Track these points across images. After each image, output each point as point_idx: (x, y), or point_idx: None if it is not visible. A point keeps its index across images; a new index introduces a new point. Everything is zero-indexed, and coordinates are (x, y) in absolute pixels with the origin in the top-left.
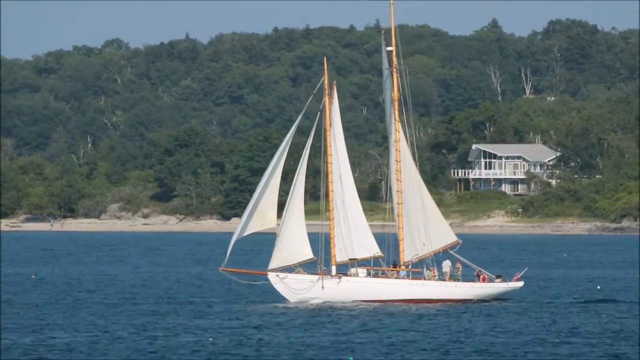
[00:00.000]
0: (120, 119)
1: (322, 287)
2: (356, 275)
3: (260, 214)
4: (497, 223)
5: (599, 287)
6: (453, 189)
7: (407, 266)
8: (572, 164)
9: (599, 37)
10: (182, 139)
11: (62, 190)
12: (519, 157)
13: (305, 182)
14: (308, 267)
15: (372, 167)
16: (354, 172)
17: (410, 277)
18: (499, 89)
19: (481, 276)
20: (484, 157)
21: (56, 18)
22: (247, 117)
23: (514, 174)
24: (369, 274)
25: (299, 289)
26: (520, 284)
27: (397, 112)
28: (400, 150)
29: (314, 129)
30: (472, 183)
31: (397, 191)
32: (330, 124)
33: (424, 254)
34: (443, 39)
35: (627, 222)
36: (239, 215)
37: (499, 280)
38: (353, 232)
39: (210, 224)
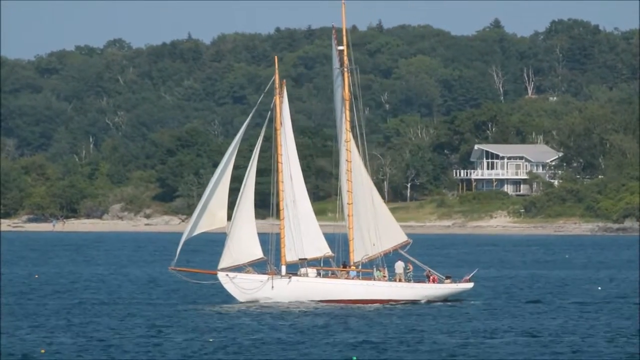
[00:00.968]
0: (122, 119)
1: (272, 287)
2: (306, 275)
3: (210, 213)
4: (499, 223)
5: (599, 288)
6: (455, 189)
7: (357, 266)
8: (575, 165)
9: (601, 37)
10: (184, 139)
11: (64, 190)
12: (521, 158)
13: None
14: (259, 266)
15: (374, 167)
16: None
17: (360, 277)
18: (501, 89)
19: (431, 277)
20: (486, 158)
21: (58, 18)
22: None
23: (516, 174)
24: (319, 274)
25: (248, 289)
26: (470, 285)
27: (347, 112)
28: (351, 150)
29: (264, 128)
30: (474, 183)
31: (348, 191)
32: (281, 123)
33: (374, 254)
34: (445, 39)
35: (630, 223)
36: None
37: (448, 281)
38: (303, 232)
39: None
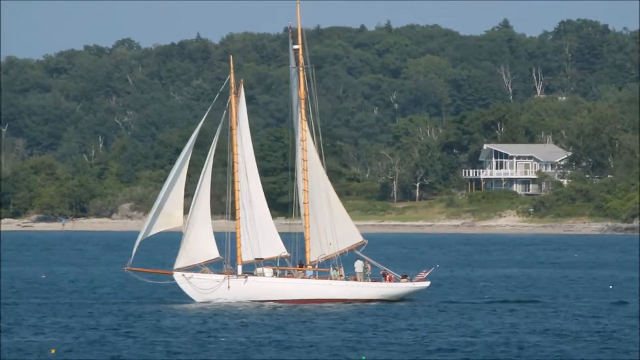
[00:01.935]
0: (131, 119)
1: (228, 287)
2: (262, 274)
3: (166, 213)
4: (508, 223)
5: (610, 287)
6: (464, 189)
7: (313, 266)
8: (584, 164)
9: (610, 37)
10: None
11: (73, 190)
12: (530, 157)
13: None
14: (215, 266)
15: (383, 167)
16: (365, 172)
17: (317, 276)
18: (510, 89)
19: (387, 276)
20: (495, 157)
21: (67, 18)
22: (258, 117)
23: (525, 173)
24: (275, 274)
25: (204, 289)
26: (426, 284)
27: (303, 111)
28: (307, 149)
29: (219, 128)
30: (483, 183)
31: (304, 190)
32: (237, 123)
33: (330, 253)
34: (454, 38)
35: (638, 222)
36: None
37: (404, 280)
38: (259, 232)
39: (221, 224)
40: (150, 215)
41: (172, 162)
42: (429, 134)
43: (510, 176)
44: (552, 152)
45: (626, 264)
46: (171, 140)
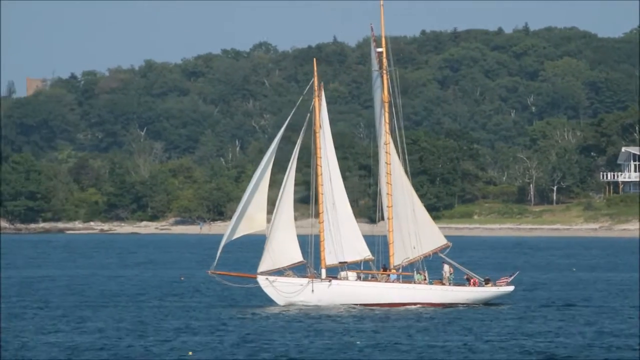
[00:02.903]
0: (268, 122)
1: (312, 291)
2: (346, 278)
3: (249, 217)
4: None
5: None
6: (602, 192)
7: (397, 270)
8: None
9: None
10: None
11: (211, 193)
12: None
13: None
14: (298, 270)
15: (520, 170)
16: (501, 175)
17: (401, 280)
18: None
19: (471, 280)
20: (634, 160)
21: (205, 22)
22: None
23: None
24: (359, 278)
25: (288, 292)
26: (510, 288)
27: (387, 114)
28: (390, 152)
29: (303, 131)
30: (621, 186)
31: (387, 194)
32: (320, 126)
33: (414, 257)
34: (592, 41)
35: None
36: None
37: (489, 284)
38: (343, 235)
39: (360, 227)
40: (234, 218)
41: (308, 165)
42: (566, 136)
43: None
44: None
45: None
46: (308, 144)
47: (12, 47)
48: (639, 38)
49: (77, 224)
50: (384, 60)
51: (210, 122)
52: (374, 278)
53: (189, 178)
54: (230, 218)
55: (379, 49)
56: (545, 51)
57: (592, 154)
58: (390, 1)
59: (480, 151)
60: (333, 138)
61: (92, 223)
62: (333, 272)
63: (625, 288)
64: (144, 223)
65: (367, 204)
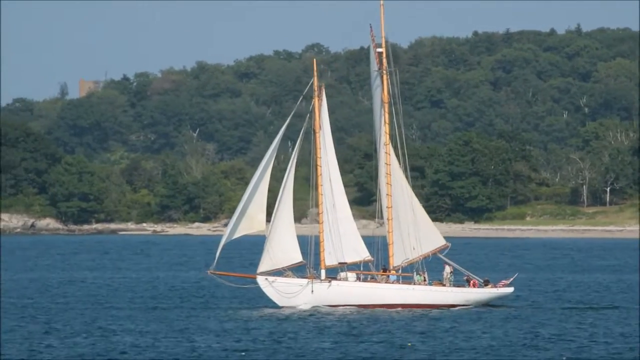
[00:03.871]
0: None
1: (312, 291)
2: (346, 279)
3: (249, 217)
4: None
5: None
6: None
7: (397, 271)
8: None
9: None
10: None
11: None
12: None
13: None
14: (297, 270)
15: (573, 171)
16: (554, 176)
17: (400, 281)
18: None
19: (471, 281)
20: None
21: (257, 23)
22: (446, 121)
23: None
24: (358, 278)
25: (288, 293)
26: (510, 290)
27: (387, 115)
28: (390, 153)
29: (302, 131)
30: None
31: (387, 194)
32: (320, 126)
33: (414, 257)
34: None
35: None
36: (439, 220)
37: (488, 286)
38: (343, 236)
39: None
40: (234, 218)
41: (361, 167)
42: (619, 137)
43: None
44: None
45: None
46: (360, 145)
47: (66, 49)
48: None
49: (130, 225)
50: (384, 60)
51: (262, 123)
52: (374, 279)
53: (241, 179)
54: None
55: (379, 49)
56: (598, 52)
57: None
58: (441, 1)
59: (533, 152)
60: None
61: (144, 224)
62: (333, 273)
63: None
64: (196, 224)
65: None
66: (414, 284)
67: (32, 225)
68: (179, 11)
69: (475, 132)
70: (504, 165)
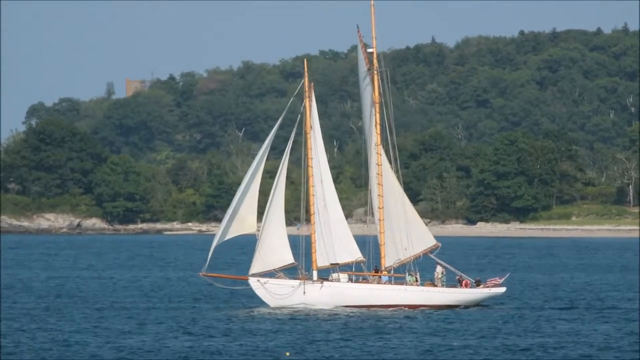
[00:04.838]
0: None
1: (304, 292)
2: (337, 280)
3: (240, 218)
4: None
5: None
6: None
7: (389, 271)
8: None
9: None
10: (428, 143)
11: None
12: None
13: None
14: (289, 272)
15: (619, 171)
16: (600, 176)
17: (393, 282)
18: None
19: (463, 282)
20: None
21: (302, 22)
22: (492, 121)
23: None
24: (350, 279)
25: (280, 294)
26: (502, 290)
27: (378, 115)
28: (381, 154)
29: (293, 132)
30: None
31: (378, 195)
32: (311, 126)
33: (405, 258)
34: None
35: None
36: (485, 220)
37: (480, 286)
38: (334, 237)
39: (455, 228)
40: (225, 220)
41: (407, 167)
42: None
43: None
44: None
45: None
46: (405, 145)
47: (112, 49)
48: None
49: (175, 225)
50: (374, 60)
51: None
52: (366, 280)
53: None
54: None
55: (370, 50)
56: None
57: None
58: (487, 1)
59: (579, 152)
60: (431, 139)
61: (190, 224)
62: (325, 274)
63: None
64: None
65: (464, 205)
66: (406, 284)
67: (78, 225)
68: (226, 11)
69: (521, 132)
70: (550, 165)
